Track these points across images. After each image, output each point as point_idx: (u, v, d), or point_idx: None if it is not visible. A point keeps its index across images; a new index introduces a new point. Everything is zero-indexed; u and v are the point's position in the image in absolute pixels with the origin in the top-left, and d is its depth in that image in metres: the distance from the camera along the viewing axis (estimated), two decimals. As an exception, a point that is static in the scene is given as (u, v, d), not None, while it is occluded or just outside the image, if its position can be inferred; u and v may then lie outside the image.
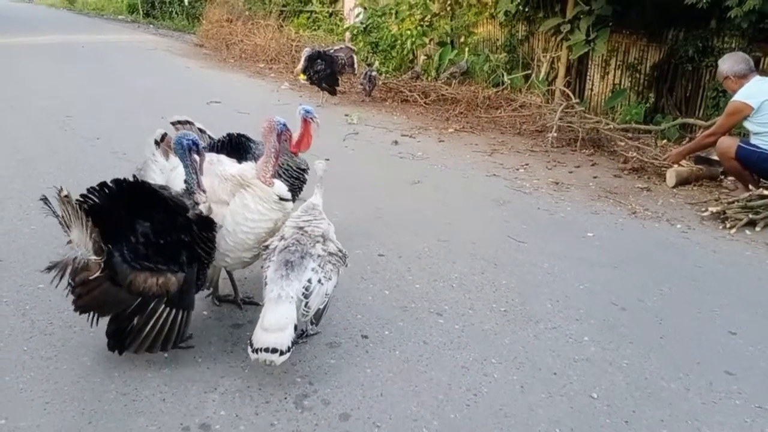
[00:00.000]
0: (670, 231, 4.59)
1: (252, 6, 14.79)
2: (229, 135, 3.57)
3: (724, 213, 4.75)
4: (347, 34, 11.28)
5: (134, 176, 2.77)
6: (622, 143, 6.53)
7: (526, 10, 9.28)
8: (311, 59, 8.24)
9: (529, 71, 9.38)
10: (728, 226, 4.64)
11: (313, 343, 2.89)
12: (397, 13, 10.14)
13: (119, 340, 2.58)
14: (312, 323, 2.62)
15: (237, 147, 3.51)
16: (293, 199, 3.14)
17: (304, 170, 3.78)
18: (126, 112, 7.47)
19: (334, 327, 3.04)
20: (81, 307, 2.54)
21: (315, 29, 13.73)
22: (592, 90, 8.85)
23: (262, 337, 2.45)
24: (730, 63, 5.17)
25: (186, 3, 18.59)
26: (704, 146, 5.45)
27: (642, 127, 7.02)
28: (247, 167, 2.94)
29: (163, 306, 2.56)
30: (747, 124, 5.10)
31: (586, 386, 2.70)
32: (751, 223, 4.63)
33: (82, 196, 2.50)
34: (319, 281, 2.60)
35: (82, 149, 5.89)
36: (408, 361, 2.82)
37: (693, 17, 7.16)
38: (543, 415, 2.51)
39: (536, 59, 9.41)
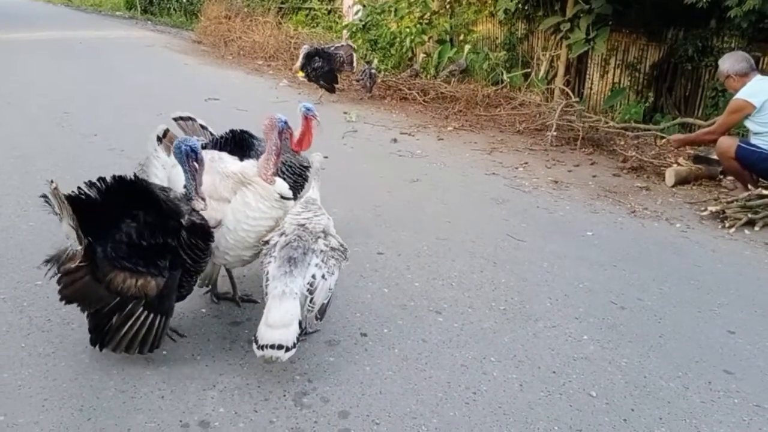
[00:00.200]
0: (670, 230, 4.60)
1: (250, 3, 14.75)
2: (232, 131, 3.55)
3: (724, 212, 4.75)
4: (345, 32, 11.26)
5: (135, 174, 2.75)
6: (622, 142, 6.53)
7: (526, 8, 9.28)
8: (309, 56, 8.22)
9: (529, 70, 9.37)
10: (727, 225, 4.64)
11: (312, 341, 2.88)
12: (396, 10, 10.11)
13: (98, 336, 2.58)
14: (317, 318, 2.62)
15: (240, 144, 3.50)
16: (295, 197, 3.14)
17: (307, 168, 3.77)
18: (124, 109, 7.45)
19: (333, 325, 3.03)
20: (65, 297, 2.55)
21: (314, 26, 13.70)
22: (591, 89, 8.85)
23: (267, 333, 2.45)
24: (731, 62, 5.17)
25: (184, -1, 18.56)
26: (703, 141, 5.46)
27: (641, 126, 7.02)
28: (249, 165, 2.93)
29: (141, 309, 2.53)
30: (748, 123, 5.10)
31: (585, 385, 2.70)
32: (750, 223, 4.64)
33: (78, 188, 2.50)
34: (323, 276, 2.60)
35: (80, 146, 5.87)
36: (407, 359, 2.82)
37: (693, 17, 7.16)
38: (542, 413, 2.51)
39: (536, 58, 9.41)
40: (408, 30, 9.74)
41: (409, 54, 10.39)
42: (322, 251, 2.66)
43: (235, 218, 2.83)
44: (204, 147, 3.39)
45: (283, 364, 2.62)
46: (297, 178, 3.72)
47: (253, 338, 2.50)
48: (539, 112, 7.61)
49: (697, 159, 5.78)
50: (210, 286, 3.18)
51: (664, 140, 5.91)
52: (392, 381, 2.66)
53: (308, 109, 3.75)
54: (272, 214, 2.86)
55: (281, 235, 2.72)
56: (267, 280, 2.59)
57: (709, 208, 4.84)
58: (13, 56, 11.22)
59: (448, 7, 10.51)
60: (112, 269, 2.47)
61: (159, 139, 3.20)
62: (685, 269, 3.94)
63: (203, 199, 2.65)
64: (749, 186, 5.01)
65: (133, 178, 2.63)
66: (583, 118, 6.94)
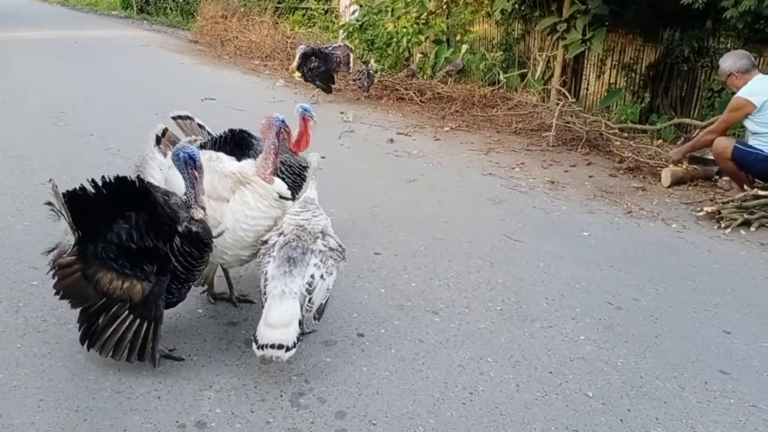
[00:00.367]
0: (666, 230, 4.61)
1: (247, 2, 14.73)
2: (231, 131, 3.54)
3: (719, 213, 4.76)
4: (341, 32, 11.26)
5: (138, 176, 2.73)
6: (618, 143, 6.54)
7: (523, 8, 9.30)
8: (305, 56, 8.21)
9: (525, 70, 9.39)
10: (723, 226, 4.66)
11: (309, 342, 2.88)
12: (392, 10, 10.11)
13: (86, 335, 2.56)
14: (315, 318, 2.61)
15: (240, 143, 3.49)
16: (293, 197, 3.14)
17: (305, 168, 3.76)
18: (120, 109, 7.43)
19: (330, 325, 3.03)
20: (58, 290, 2.55)
21: (310, 26, 13.70)
22: (587, 89, 8.87)
23: (267, 333, 2.45)
24: (732, 60, 5.17)
25: (180, -1, 18.53)
26: (705, 143, 5.39)
27: (638, 126, 7.05)
28: (247, 164, 2.93)
29: (126, 312, 2.50)
30: (747, 123, 5.10)
31: (581, 385, 2.71)
32: (746, 223, 4.65)
33: (79, 186, 2.49)
34: (322, 276, 2.61)
35: (76, 145, 5.86)
36: (404, 359, 2.82)
37: (689, 17, 7.19)
38: (539, 413, 2.51)
39: (532, 58, 9.43)
40: (405, 30, 9.74)
41: (406, 54, 10.39)
42: (320, 251, 2.66)
43: (234, 218, 2.83)
44: (203, 146, 3.39)
45: (280, 364, 2.62)
46: (296, 178, 3.72)
47: (252, 338, 2.50)
48: (536, 112, 7.63)
49: (692, 159, 5.80)
50: (206, 287, 3.17)
51: (668, 157, 5.83)
52: (389, 381, 2.65)
53: (305, 110, 3.75)
54: (271, 214, 2.86)
55: (280, 235, 2.72)
56: (266, 279, 2.59)
57: (705, 209, 4.86)
58: (8, 55, 11.18)
59: (444, 7, 10.52)
60: (101, 268, 2.46)
61: (158, 139, 3.20)
62: (681, 269, 3.95)
63: (203, 208, 2.58)
64: (745, 187, 5.02)
65: (135, 179, 2.59)
66: (580, 119, 6.95)
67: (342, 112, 7.88)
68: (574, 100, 7.82)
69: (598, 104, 8.52)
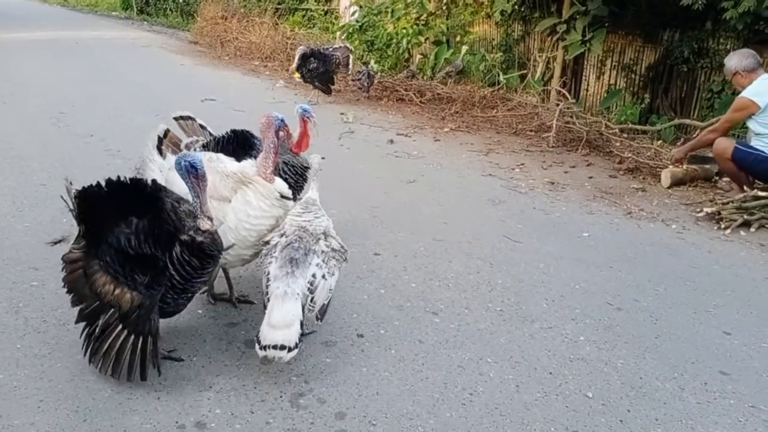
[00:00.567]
0: (666, 231, 4.61)
1: (247, 3, 14.74)
2: (233, 131, 3.54)
3: (719, 214, 4.77)
4: (338, 34, 11.29)
5: (153, 179, 2.69)
6: (618, 144, 6.54)
7: (522, 9, 9.31)
8: (305, 57, 8.21)
9: (525, 71, 9.40)
10: (723, 226, 4.66)
11: (309, 342, 2.88)
12: (392, 11, 10.12)
13: (86, 343, 2.52)
14: (317, 319, 2.62)
15: (242, 143, 3.49)
16: (294, 198, 3.14)
17: (307, 168, 3.76)
18: (120, 109, 7.43)
19: (330, 326, 3.03)
20: (64, 284, 2.56)
21: (310, 27, 13.70)
22: (587, 90, 8.88)
23: (269, 334, 2.45)
24: (738, 58, 5.15)
25: (180, 0, 18.52)
26: (707, 143, 5.35)
27: (638, 127, 7.06)
28: (247, 164, 2.94)
29: (117, 322, 2.44)
30: (750, 123, 5.08)
31: (581, 385, 2.71)
32: (746, 224, 4.65)
33: (95, 183, 2.48)
34: (323, 276, 2.61)
35: (76, 146, 5.86)
36: (404, 360, 2.82)
37: (688, 18, 7.20)
38: (538, 414, 2.51)
39: (532, 59, 9.44)
40: (405, 31, 9.76)
41: (406, 55, 10.40)
42: (323, 252, 2.67)
43: (237, 217, 2.83)
44: (205, 147, 3.40)
45: (280, 365, 2.62)
46: (298, 178, 3.74)
47: (255, 338, 2.50)
48: (536, 113, 7.63)
49: (692, 159, 5.80)
50: (206, 287, 3.17)
51: (668, 157, 5.81)
52: (389, 382, 2.65)
53: (305, 111, 3.75)
54: (273, 213, 2.87)
55: (282, 235, 2.72)
56: (268, 280, 2.59)
57: (705, 210, 4.86)
58: (8, 56, 11.18)
59: (444, 8, 10.53)
60: (99, 270, 2.44)
61: (160, 139, 3.20)
62: (681, 270, 3.95)
63: (210, 218, 2.51)
64: (745, 187, 5.02)
65: (150, 182, 2.56)
66: (580, 120, 6.96)
67: (342, 113, 7.89)
68: (574, 101, 7.82)
69: (598, 105, 8.52)
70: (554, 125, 6.81)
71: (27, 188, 4.63)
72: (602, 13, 7.78)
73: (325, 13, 14.14)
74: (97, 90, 8.62)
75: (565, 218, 4.78)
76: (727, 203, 4.86)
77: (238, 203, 2.86)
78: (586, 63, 8.81)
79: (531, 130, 7.31)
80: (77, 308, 2.55)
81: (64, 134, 6.27)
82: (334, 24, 13.03)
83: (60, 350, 2.72)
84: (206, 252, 2.50)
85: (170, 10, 19.19)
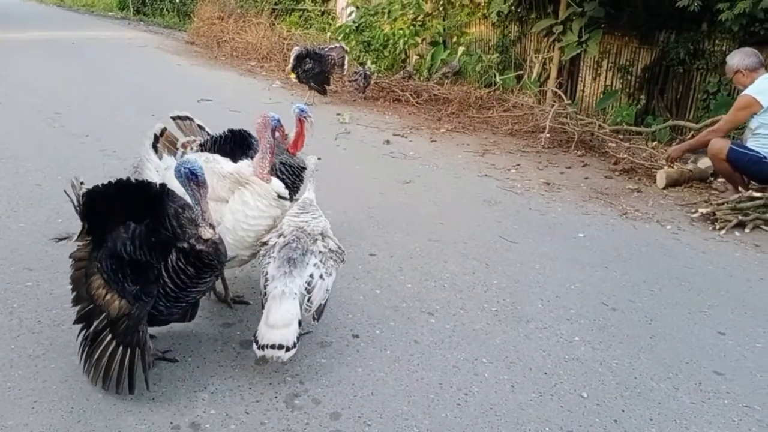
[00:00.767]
0: (661, 232, 4.62)
1: (244, 4, 14.73)
2: (231, 130, 3.53)
3: (714, 214, 4.78)
4: (328, 34, 11.30)
5: (162, 183, 2.64)
6: (613, 144, 6.56)
7: (519, 10, 9.32)
8: (300, 58, 8.20)
9: (521, 72, 9.41)
10: (718, 227, 4.67)
11: (304, 343, 2.88)
12: (389, 12, 10.13)
13: (81, 343, 2.50)
14: (314, 318, 2.62)
15: (240, 142, 3.48)
16: (291, 198, 3.14)
17: (304, 169, 3.77)
18: (116, 110, 7.41)
19: (326, 326, 3.03)
20: (70, 282, 2.56)
21: (307, 28, 13.69)
22: (583, 91, 8.90)
23: (267, 333, 2.45)
24: (740, 57, 5.13)
25: (177, 0, 18.49)
26: (707, 143, 5.28)
27: (634, 128, 7.08)
28: (244, 165, 2.94)
29: (106, 327, 2.40)
30: (751, 121, 5.06)
31: (576, 385, 2.71)
32: (741, 225, 4.67)
33: (108, 181, 2.46)
34: (321, 276, 2.61)
35: (71, 146, 5.84)
36: (399, 360, 2.82)
37: (684, 20, 7.21)
38: (533, 414, 2.51)
39: (528, 60, 9.45)
40: (401, 32, 9.76)
41: (402, 56, 10.41)
42: (320, 252, 2.67)
43: (234, 218, 2.83)
44: (203, 146, 3.40)
45: (275, 365, 2.62)
46: (295, 178, 3.74)
47: (253, 338, 2.50)
48: (532, 114, 7.64)
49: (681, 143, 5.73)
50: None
51: (665, 156, 5.80)
52: (384, 382, 2.65)
53: (302, 111, 3.75)
54: (271, 213, 2.87)
55: (279, 236, 2.73)
56: (266, 280, 2.59)
57: (700, 210, 4.87)
58: (4, 56, 11.15)
59: (441, 9, 10.54)
60: (95, 272, 2.43)
61: (156, 138, 3.20)
62: (676, 271, 3.96)
63: (213, 226, 2.46)
64: (740, 188, 5.03)
65: (158, 186, 2.51)
66: (573, 120, 6.97)
67: (338, 114, 7.89)
68: (569, 101, 7.83)
69: (594, 106, 8.54)
70: (548, 126, 6.82)
71: (22, 188, 4.62)
72: (598, 15, 7.79)
73: (322, 13, 14.14)
74: (93, 90, 8.60)
75: (560, 219, 4.79)
76: (722, 204, 4.87)
77: (235, 204, 2.86)
78: (582, 64, 8.83)
79: (527, 131, 7.32)
80: (76, 308, 2.54)
81: (59, 134, 6.25)
82: (330, 24, 13.03)
83: (54, 351, 2.71)
84: (204, 261, 2.44)
85: (167, 10, 19.15)
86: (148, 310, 2.39)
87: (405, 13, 9.99)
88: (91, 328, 2.45)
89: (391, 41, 9.95)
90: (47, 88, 8.46)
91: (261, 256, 2.74)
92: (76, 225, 2.55)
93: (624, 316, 3.35)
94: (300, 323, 2.53)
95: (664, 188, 5.58)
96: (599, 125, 6.87)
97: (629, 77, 8.30)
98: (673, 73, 7.73)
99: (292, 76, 8.51)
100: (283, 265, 2.59)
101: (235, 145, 3.44)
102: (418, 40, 10.09)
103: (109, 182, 2.46)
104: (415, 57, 10.57)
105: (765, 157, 4.91)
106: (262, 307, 2.57)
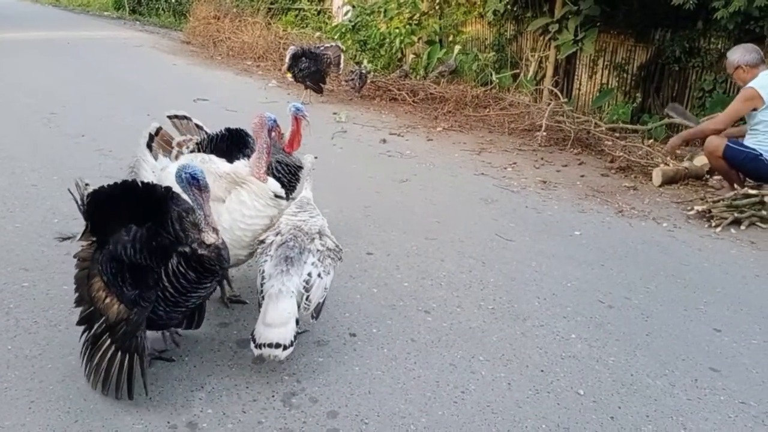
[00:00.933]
0: (657, 229, 4.63)
1: (239, 3, 14.72)
2: (228, 129, 3.53)
3: (710, 212, 4.80)
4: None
5: (167, 186, 2.58)
6: (609, 142, 6.57)
7: (515, 9, 9.33)
8: (295, 57, 8.21)
9: (518, 70, 9.42)
10: (714, 224, 4.68)
11: (301, 342, 2.88)
12: (385, 11, 10.14)
13: (83, 345, 2.49)
14: (312, 317, 2.62)
15: (237, 141, 3.48)
16: (288, 197, 3.14)
17: (301, 168, 3.77)
18: (111, 109, 7.40)
19: (322, 325, 3.03)
20: (74, 280, 2.55)
21: (303, 27, 13.69)
22: (579, 89, 8.91)
23: (264, 332, 2.45)
24: (741, 52, 5.11)
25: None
26: (706, 133, 5.26)
27: (629, 126, 7.09)
28: (240, 165, 2.94)
29: (105, 331, 2.39)
30: (749, 117, 5.06)
31: (572, 383, 2.72)
32: (736, 222, 4.68)
33: (114, 183, 2.44)
34: (319, 275, 2.62)
35: (67, 146, 5.83)
36: (396, 358, 2.82)
37: (680, 18, 7.23)
38: (530, 411, 2.52)
39: (524, 58, 9.45)
40: (397, 31, 9.77)
41: (399, 55, 10.42)
42: (318, 251, 2.68)
43: (231, 217, 2.83)
44: (199, 144, 3.40)
45: (272, 364, 2.62)
46: (291, 177, 3.75)
47: (250, 337, 2.50)
48: (528, 112, 7.65)
49: (672, 109, 5.71)
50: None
51: (664, 149, 5.78)
52: (381, 381, 2.66)
53: (298, 110, 3.76)
54: (268, 213, 2.87)
55: (277, 234, 2.73)
56: (263, 279, 2.59)
57: (696, 208, 4.89)
58: (-1, 56, 11.13)
59: (437, 8, 10.54)
60: (97, 274, 2.42)
61: (151, 137, 3.19)
62: (672, 268, 3.97)
63: (216, 231, 2.42)
64: (735, 185, 5.05)
65: (163, 188, 2.47)
66: (570, 119, 6.98)
67: (335, 113, 7.88)
68: (566, 100, 7.84)
69: (590, 104, 8.56)
70: (544, 125, 6.83)
71: (18, 189, 4.61)
72: (594, 13, 7.80)
73: (318, 12, 14.13)
74: (89, 90, 8.58)
75: (557, 217, 4.80)
76: (718, 201, 4.89)
77: (232, 203, 2.86)
78: (578, 62, 8.84)
79: (523, 130, 7.33)
80: (79, 309, 2.53)
81: (55, 134, 6.24)
82: (327, 24, 13.03)
83: (51, 351, 2.71)
84: (205, 266, 2.41)
85: (162, 9, 19.14)
86: (146, 315, 2.37)
87: (401, 12, 10.00)
88: (92, 331, 2.45)
89: (388, 40, 9.96)
90: (43, 88, 8.44)
91: (258, 255, 2.74)
92: (73, 225, 2.56)
93: (620, 313, 3.36)
94: (297, 322, 2.53)
95: (660, 186, 5.59)
96: (595, 123, 6.89)
97: (625, 75, 8.31)
98: (668, 71, 7.74)
99: (288, 75, 8.51)
100: (280, 264, 2.59)
101: (231, 144, 3.44)
102: (415, 39, 10.09)
103: (115, 183, 2.43)
104: (412, 56, 10.57)
105: (761, 155, 4.93)
106: (259, 306, 2.57)
